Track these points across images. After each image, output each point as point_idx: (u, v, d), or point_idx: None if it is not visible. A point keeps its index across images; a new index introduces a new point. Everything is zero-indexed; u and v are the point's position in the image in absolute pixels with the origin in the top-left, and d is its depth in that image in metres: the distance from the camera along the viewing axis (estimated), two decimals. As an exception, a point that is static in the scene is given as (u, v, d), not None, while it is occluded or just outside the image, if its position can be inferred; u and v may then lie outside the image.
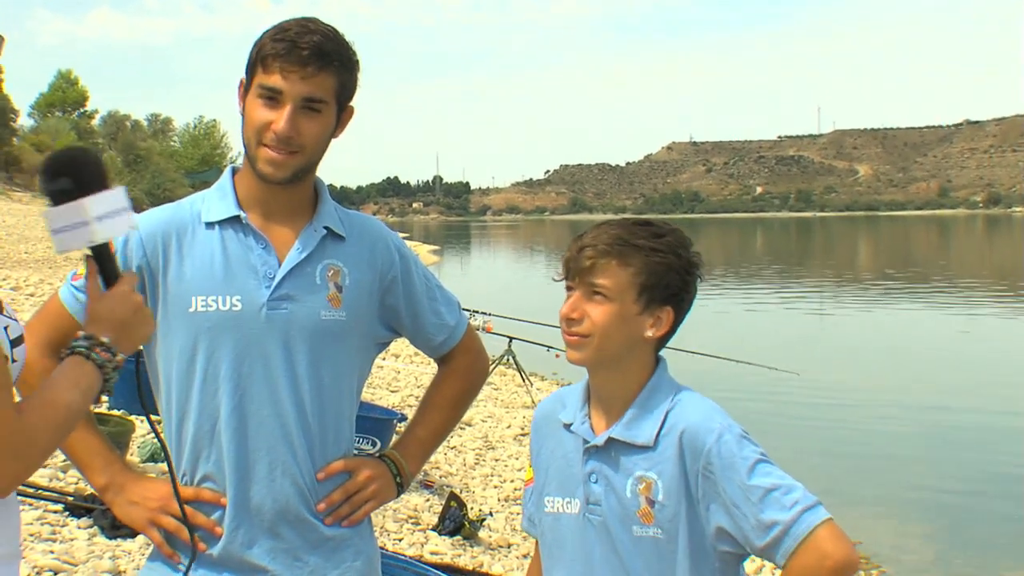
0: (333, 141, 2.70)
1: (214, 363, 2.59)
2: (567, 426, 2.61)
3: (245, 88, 2.64)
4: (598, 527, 2.52)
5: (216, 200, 2.69)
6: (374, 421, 8.44)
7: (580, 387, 2.64)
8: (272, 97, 2.56)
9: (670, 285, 2.49)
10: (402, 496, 2.85)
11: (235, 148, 77.45)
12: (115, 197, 2.09)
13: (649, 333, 2.50)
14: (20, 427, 1.86)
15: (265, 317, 2.61)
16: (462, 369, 2.97)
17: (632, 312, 2.47)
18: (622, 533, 2.48)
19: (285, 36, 2.56)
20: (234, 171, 2.76)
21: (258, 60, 2.59)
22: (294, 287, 2.63)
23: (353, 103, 2.72)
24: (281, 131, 2.55)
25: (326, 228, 2.71)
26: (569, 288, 2.53)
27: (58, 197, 2.04)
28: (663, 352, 2.61)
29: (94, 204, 2.05)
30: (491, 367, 15.85)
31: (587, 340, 2.49)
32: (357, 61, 2.67)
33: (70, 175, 2.04)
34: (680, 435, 2.44)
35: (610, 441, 2.51)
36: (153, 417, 2.55)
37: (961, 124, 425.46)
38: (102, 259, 2.15)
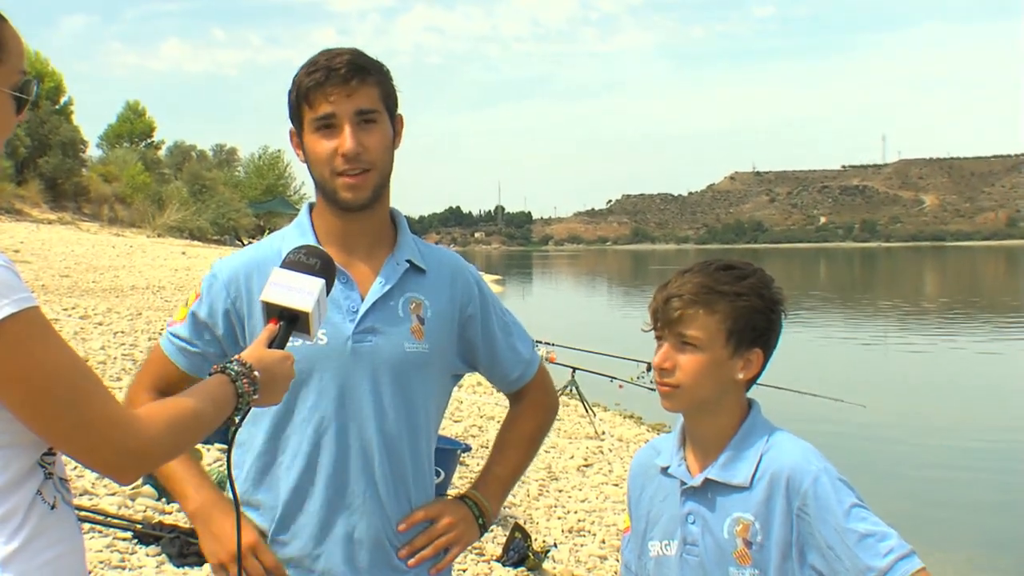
0: (395, 164, 2.70)
1: (302, 397, 2.61)
2: (664, 469, 2.62)
3: (298, 135, 2.67)
4: (694, 567, 2.52)
5: (296, 237, 2.70)
6: (438, 451, 8.39)
7: (675, 432, 2.65)
8: (328, 125, 2.59)
9: (756, 327, 2.51)
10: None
11: (298, 179, 77.90)
12: (323, 291, 2.32)
13: (740, 376, 2.53)
14: (125, 418, 1.85)
15: (351, 350, 2.62)
16: (536, 405, 2.96)
17: (722, 358, 2.49)
18: (718, 574, 2.48)
19: (318, 66, 2.60)
20: (311, 207, 2.77)
21: (301, 100, 2.62)
22: (378, 320, 2.65)
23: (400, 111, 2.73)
24: (349, 149, 2.57)
25: (408, 261, 2.72)
26: (658, 338, 2.54)
27: (299, 267, 2.32)
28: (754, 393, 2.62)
29: (323, 287, 2.30)
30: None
31: (679, 390, 2.50)
32: (388, 71, 2.70)
33: (325, 261, 2.35)
34: (776, 476, 2.44)
35: (707, 482, 2.52)
36: (220, 445, 2.56)
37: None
38: (289, 324, 2.26)
